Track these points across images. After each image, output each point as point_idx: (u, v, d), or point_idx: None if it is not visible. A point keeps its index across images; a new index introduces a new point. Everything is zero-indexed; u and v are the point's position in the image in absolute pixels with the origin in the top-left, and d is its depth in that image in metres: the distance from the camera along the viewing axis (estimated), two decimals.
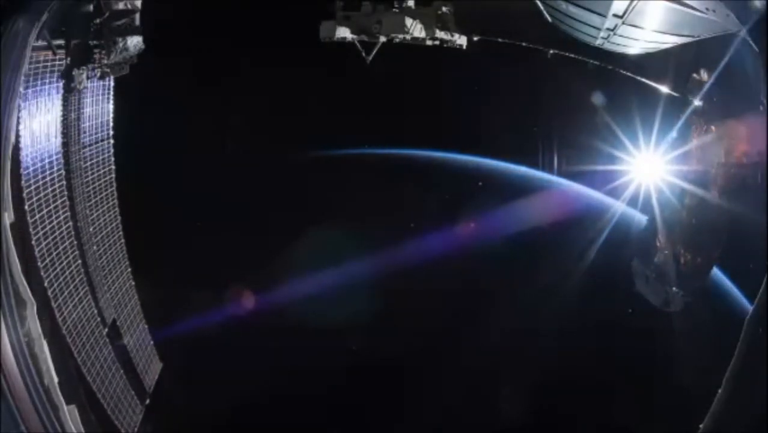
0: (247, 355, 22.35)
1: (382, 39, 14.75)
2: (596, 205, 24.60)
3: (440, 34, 15.03)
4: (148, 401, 16.78)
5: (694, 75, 13.07)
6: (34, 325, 9.87)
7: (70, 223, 13.99)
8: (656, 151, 15.54)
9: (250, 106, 23.51)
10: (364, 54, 15.00)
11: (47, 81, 12.76)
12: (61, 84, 13.31)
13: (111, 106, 15.79)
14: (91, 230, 15.38)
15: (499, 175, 26.95)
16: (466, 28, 15.23)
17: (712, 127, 13.05)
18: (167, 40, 18.19)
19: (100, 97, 15.41)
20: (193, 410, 19.56)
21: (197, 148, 22.87)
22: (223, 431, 21.62)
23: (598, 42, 11.60)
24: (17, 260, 9.65)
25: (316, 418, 22.18)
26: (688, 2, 9.15)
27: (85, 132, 14.97)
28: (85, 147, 15.07)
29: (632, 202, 19.60)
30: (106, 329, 15.32)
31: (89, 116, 15.08)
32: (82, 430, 10.96)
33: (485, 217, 24.91)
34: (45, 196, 12.89)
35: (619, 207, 22.33)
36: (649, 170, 16.14)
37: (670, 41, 10.99)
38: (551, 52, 15.09)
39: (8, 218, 9.71)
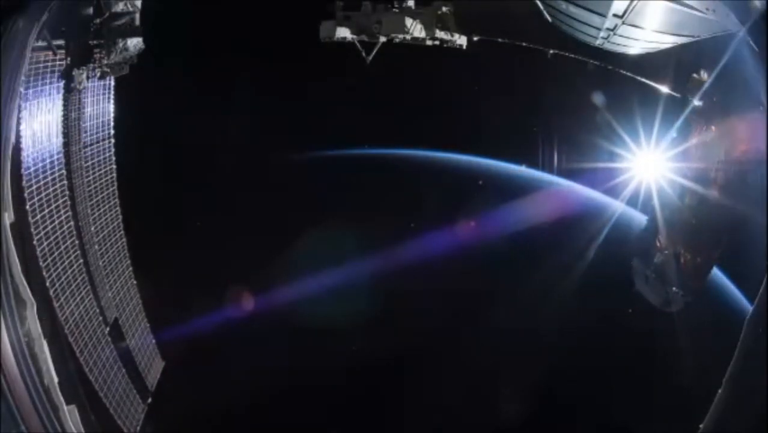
0: (247, 354, 22.35)
1: (382, 39, 14.74)
2: (596, 205, 24.61)
3: (440, 34, 15.01)
4: (150, 400, 16.83)
5: (694, 75, 13.06)
6: (34, 325, 9.86)
7: (72, 222, 14.04)
8: (656, 151, 15.55)
9: (250, 106, 23.52)
10: (364, 54, 14.99)
11: (47, 81, 12.79)
12: (61, 84, 13.36)
13: (111, 106, 15.86)
14: (92, 229, 15.43)
15: (499, 175, 26.97)
16: (466, 28, 15.22)
17: (712, 127, 13.03)
18: (167, 41, 18.22)
19: (101, 97, 15.47)
20: (195, 408, 19.57)
21: (197, 148, 22.87)
22: (224, 429, 21.65)
23: (598, 42, 11.63)
24: (17, 260, 9.65)
25: (316, 418, 22.20)
26: (688, 2, 9.16)
27: (85, 132, 15.04)
28: (85, 147, 15.13)
29: (632, 202, 19.65)
30: (108, 329, 15.37)
31: (90, 116, 15.14)
32: (82, 430, 10.94)
33: (485, 216, 24.91)
34: (46, 196, 12.93)
35: (619, 207, 22.36)
36: (649, 170, 16.15)
37: (670, 41, 11.01)
38: (551, 52, 15.11)
39: (9, 217, 9.71)
